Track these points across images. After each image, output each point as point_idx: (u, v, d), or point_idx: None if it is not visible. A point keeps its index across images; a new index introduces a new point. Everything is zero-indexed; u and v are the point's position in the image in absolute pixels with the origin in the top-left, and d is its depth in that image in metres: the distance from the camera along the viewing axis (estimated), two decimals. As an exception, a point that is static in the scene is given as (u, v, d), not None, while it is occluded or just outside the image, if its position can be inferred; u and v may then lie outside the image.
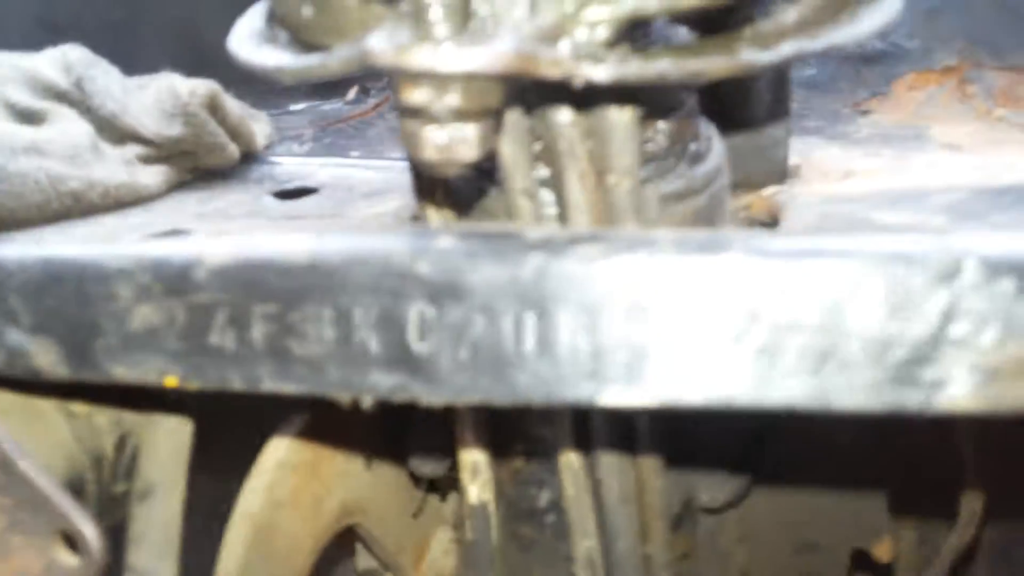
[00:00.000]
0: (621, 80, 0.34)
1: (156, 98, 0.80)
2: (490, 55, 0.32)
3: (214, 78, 0.88)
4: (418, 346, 0.35)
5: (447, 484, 0.73)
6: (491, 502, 0.56)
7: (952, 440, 0.61)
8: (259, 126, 0.90)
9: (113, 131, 0.78)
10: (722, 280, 0.32)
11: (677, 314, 0.32)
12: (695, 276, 0.32)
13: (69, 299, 0.41)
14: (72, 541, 0.42)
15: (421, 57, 0.32)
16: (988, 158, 0.73)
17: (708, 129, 0.54)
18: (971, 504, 0.61)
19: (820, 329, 0.30)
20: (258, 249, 0.38)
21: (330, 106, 1.39)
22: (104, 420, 0.51)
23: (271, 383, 0.38)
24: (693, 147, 0.51)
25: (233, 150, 0.82)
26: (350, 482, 0.64)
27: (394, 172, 0.81)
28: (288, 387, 0.37)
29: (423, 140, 0.34)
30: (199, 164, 0.81)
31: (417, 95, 0.33)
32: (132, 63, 0.89)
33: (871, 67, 1.08)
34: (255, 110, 0.95)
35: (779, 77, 0.63)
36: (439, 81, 0.33)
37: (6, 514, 0.42)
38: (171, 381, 0.39)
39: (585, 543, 0.52)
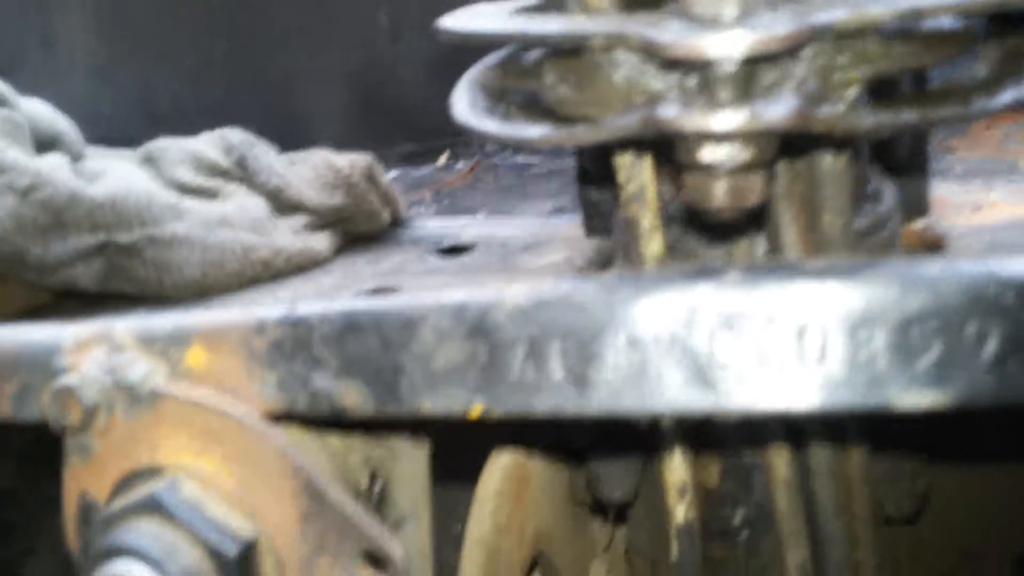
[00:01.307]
0: (878, 129, 0.41)
1: (315, 172, 0.87)
2: (777, 116, 0.39)
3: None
4: (713, 365, 0.41)
5: (619, 513, 0.77)
6: (696, 521, 0.61)
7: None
8: (398, 193, 0.97)
9: (279, 203, 0.85)
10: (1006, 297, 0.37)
11: (964, 323, 0.38)
12: (980, 291, 0.37)
13: (373, 345, 0.47)
14: (376, 560, 0.47)
15: (723, 120, 0.38)
16: (1099, 185, 0.78)
17: (878, 172, 0.60)
18: None
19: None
20: (550, 292, 0.44)
21: (420, 172, 1.47)
22: (356, 458, 0.56)
23: (572, 408, 0.43)
24: (872, 187, 0.57)
25: (386, 216, 0.89)
26: (541, 511, 0.69)
27: (536, 227, 0.87)
28: (589, 411, 0.43)
29: (714, 191, 0.40)
30: (355, 229, 0.88)
31: (715, 153, 0.39)
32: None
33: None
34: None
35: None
36: (732, 139, 0.39)
37: (314, 539, 0.48)
38: (476, 411, 0.45)
39: (799, 554, 0.57)
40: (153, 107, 1.57)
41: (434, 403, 0.46)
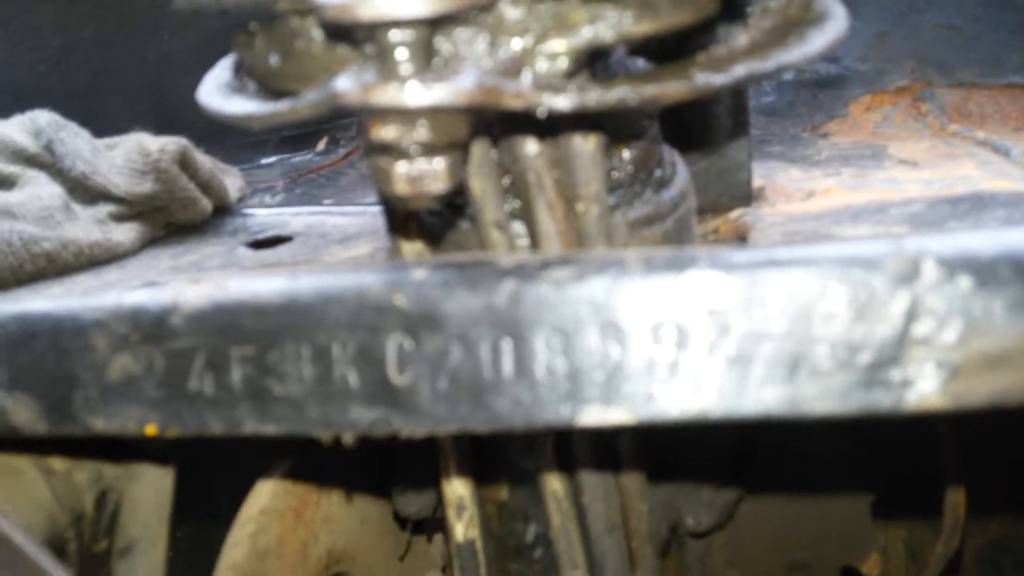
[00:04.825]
0: (582, 107, 0.35)
1: (126, 157, 0.80)
2: (454, 89, 0.33)
3: (184, 136, 0.89)
4: (398, 379, 0.36)
5: (433, 525, 0.72)
6: (478, 539, 0.56)
7: (933, 447, 0.62)
8: (230, 180, 0.90)
9: (84, 191, 0.78)
10: (690, 295, 0.32)
11: (649, 331, 0.33)
12: (664, 293, 0.33)
13: (45, 354, 0.41)
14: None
15: (388, 94, 0.33)
16: (943, 171, 0.75)
17: (672, 155, 0.55)
18: (954, 511, 0.62)
19: (788, 337, 0.31)
20: (233, 292, 0.38)
21: (300, 157, 1.40)
22: (84, 477, 0.50)
23: (251, 425, 0.38)
24: (658, 173, 0.52)
25: (205, 204, 0.82)
26: (336, 527, 0.64)
27: (366, 217, 0.82)
28: (268, 428, 0.37)
29: (393, 175, 0.35)
30: (172, 219, 0.82)
31: (385, 131, 0.34)
32: (100, 126, 0.90)
33: (827, 91, 1.11)
34: (226, 165, 0.95)
35: (738, 103, 0.65)
36: (406, 117, 0.34)
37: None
38: (151, 430, 0.39)
39: (574, 574, 0.52)
40: (17, 88, 1.48)
41: (108, 421, 0.40)
